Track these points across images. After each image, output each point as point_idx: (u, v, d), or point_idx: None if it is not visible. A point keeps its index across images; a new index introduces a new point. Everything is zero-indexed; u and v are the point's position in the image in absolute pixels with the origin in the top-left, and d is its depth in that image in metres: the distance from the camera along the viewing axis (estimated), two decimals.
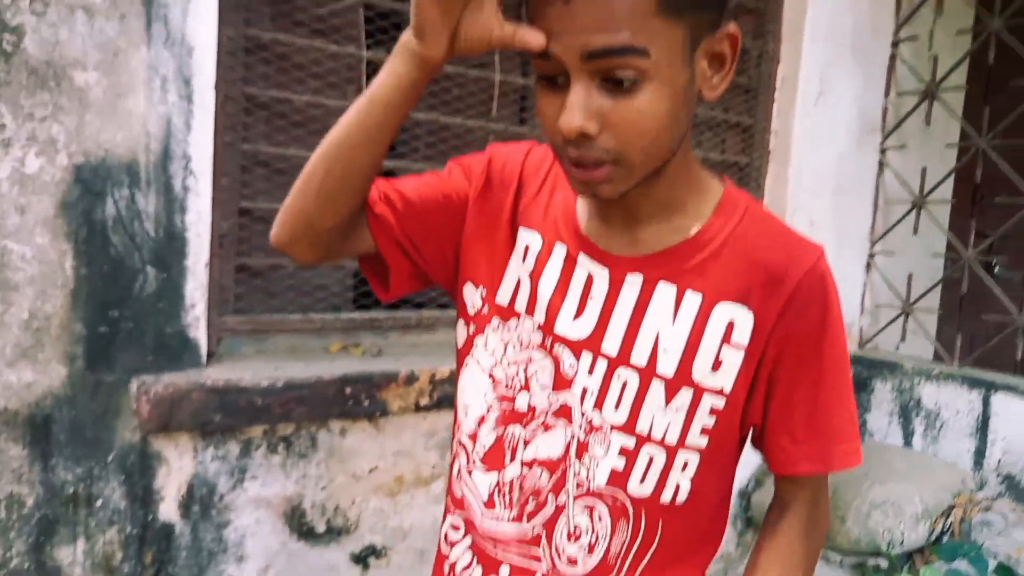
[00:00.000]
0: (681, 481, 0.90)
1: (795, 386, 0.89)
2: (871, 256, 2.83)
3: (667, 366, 0.88)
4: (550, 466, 0.92)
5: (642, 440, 0.89)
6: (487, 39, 0.81)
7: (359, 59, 1.87)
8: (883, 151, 2.80)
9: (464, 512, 1.00)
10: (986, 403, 2.43)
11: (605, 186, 0.80)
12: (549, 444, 0.93)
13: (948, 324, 2.95)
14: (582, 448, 0.91)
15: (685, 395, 0.88)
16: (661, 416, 0.88)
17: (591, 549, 0.92)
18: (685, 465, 0.90)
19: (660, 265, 0.88)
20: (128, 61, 1.50)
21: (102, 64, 1.48)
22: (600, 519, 0.91)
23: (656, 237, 0.89)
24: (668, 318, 0.88)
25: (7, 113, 1.42)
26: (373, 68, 1.89)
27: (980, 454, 2.44)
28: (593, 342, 0.90)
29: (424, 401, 1.87)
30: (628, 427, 0.89)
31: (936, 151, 2.77)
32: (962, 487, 2.33)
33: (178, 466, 1.65)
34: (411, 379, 1.83)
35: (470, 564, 0.99)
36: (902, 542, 2.15)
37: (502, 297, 0.96)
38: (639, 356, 0.88)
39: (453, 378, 1.10)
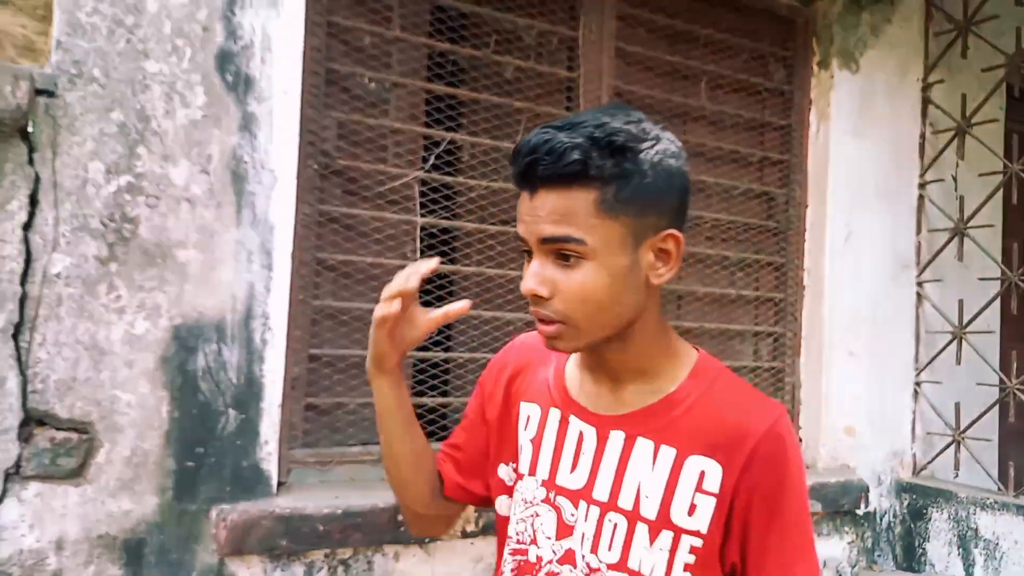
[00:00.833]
0: None
1: (766, 535, 1.00)
2: (917, 384, 2.88)
3: (649, 510, 1.01)
4: None
5: None
6: (424, 333, 1.11)
7: (414, 225, 2.18)
8: (920, 284, 2.91)
9: None
10: None
11: (558, 341, 0.99)
12: None
13: (1006, 453, 2.92)
14: None
15: (666, 536, 1.01)
16: (648, 555, 1.01)
17: None
18: None
19: (639, 423, 1.03)
20: (221, 240, 1.84)
21: (200, 243, 1.82)
22: None
23: (636, 398, 1.05)
24: (648, 468, 1.02)
25: (123, 286, 1.75)
26: (426, 232, 2.20)
27: None
28: (587, 491, 1.05)
29: (470, 528, 2.04)
30: (620, 565, 1.02)
31: (971, 283, 2.85)
32: None
33: None
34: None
35: None
36: None
37: (519, 466, 1.14)
38: (625, 501, 1.02)
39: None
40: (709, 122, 2.70)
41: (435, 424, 2.24)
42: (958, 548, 2.61)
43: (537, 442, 1.11)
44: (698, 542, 1.00)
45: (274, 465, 1.90)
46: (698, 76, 2.63)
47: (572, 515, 1.06)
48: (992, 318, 2.88)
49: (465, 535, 2.04)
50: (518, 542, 1.12)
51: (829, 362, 2.72)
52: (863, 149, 2.81)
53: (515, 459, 1.15)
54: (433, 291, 2.26)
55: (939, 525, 2.68)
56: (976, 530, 2.57)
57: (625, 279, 0.99)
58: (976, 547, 2.57)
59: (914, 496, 2.76)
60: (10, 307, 1.62)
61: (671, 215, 1.00)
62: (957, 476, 2.83)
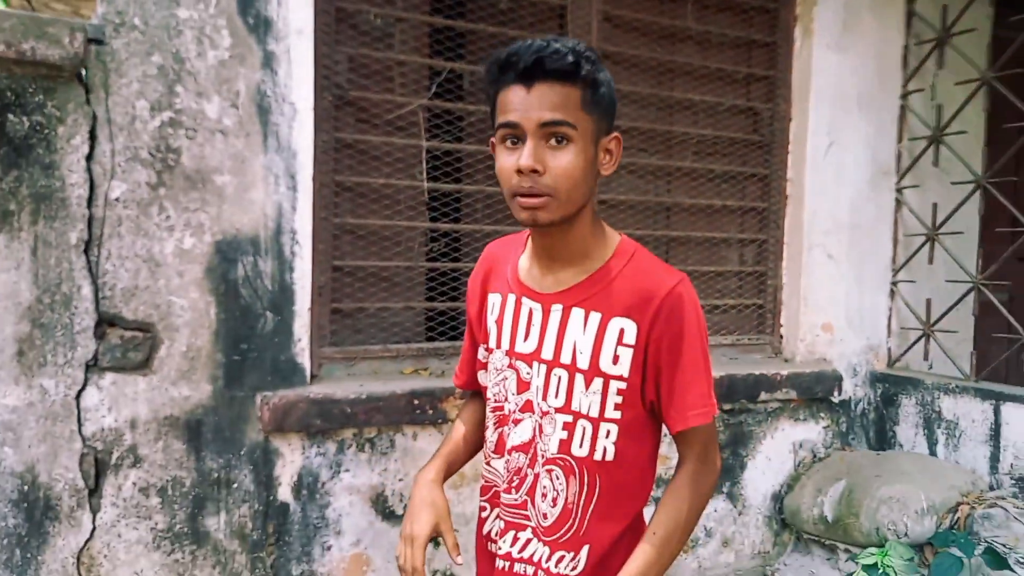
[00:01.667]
0: (607, 445, 1.32)
1: (671, 373, 1.29)
2: (894, 284, 3.11)
3: (583, 362, 1.31)
4: (524, 448, 1.37)
5: (577, 416, 1.32)
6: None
7: (421, 148, 2.43)
8: (899, 191, 3.11)
9: (489, 492, 1.46)
10: (997, 413, 2.66)
11: (542, 212, 1.22)
12: (521, 433, 1.38)
13: (970, 343, 3.15)
14: (540, 429, 1.35)
15: (598, 382, 1.31)
16: (584, 398, 1.31)
17: (554, 502, 1.34)
18: (608, 433, 1.32)
19: (572, 296, 1.32)
20: (251, 166, 2.11)
21: (233, 169, 2.10)
22: (557, 478, 1.34)
23: (571, 277, 1.33)
24: (580, 330, 1.31)
25: (171, 208, 2.04)
26: (432, 155, 2.46)
27: (995, 459, 2.66)
28: (536, 353, 1.35)
29: None
30: (565, 408, 1.33)
31: (946, 189, 3.04)
32: (973, 487, 2.57)
33: (291, 459, 2.20)
34: (464, 394, 2.32)
35: (494, 527, 1.46)
36: (906, 533, 2.42)
37: (488, 343, 1.46)
38: (565, 357, 1.32)
39: None
40: (696, 42, 2.87)
41: (446, 325, 2.54)
42: (923, 429, 2.89)
43: (500, 322, 1.42)
44: (623, 385, 1.30)
45: (307, 359, 2.22)
46: None
47: (528, 373, 1.36)
48: (970, 221, 3.06)
49: None
50: (496, 401, 1.43)
51: (808, 265, 2.96)
52: (845, 63, 2.97)
53: (486, 340, 1.46)
54: (438, 208, 2.53)
55: (908, 410, 2.95)
56: (939, 412, 2.84)
57: (591, 166, 1.26)
58: (939, 428, 2.84)
59: (887, 385, 3.02)
60: (80, 227, 1.93)
61: (611, 122, 1.28)
62: (930, 367, 3.09)
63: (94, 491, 1.98)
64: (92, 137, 1.93)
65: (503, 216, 2.57)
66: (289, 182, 2.16)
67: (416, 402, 2.26)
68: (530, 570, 1.37)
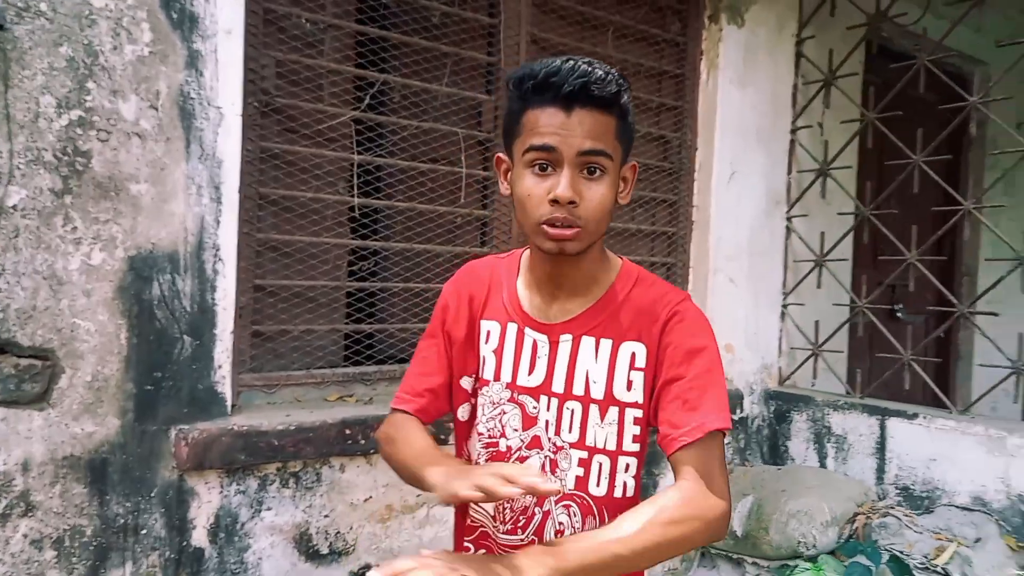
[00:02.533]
0: (627, 480, 1.27)
1: (672, 388, 1.20)
2: (784, 307, 3.31)
3: (597, 392, 1.25)
4: None
5: (592, 451, 1.25)
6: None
7: (351, 162, 2.30)
8: (789, 219, 3.31)
9: (475, 533, 1.35)
10: (883, 427, 2.87)
11: (571, 243, 1.16)
12: None
13: (854, 363, 3.41)
14: (553, 465, 1.27)
15: (613, 412, 1.25)
16: (601, 430, 1.25)
17: None
18: (627, 467, 1.27)
19: (581, 325, 1.27)
20: (171, 174, 1.91)
21: (151, 177, 1.88)
22: (575, 515, 1.27)
23: (577, 305, 1.28)
24: (592, 359, 1.26)
25: (78, 218, 1.80)
26: (362, 169, 2.33)
27: (881, 470, 2.87)
28: (546, 386, 1.28)
29: None
30: (580, 444, 1.26)
31: (832, 218, 3.28)
32: (864, 498, 2.75)
33: (207, 499, 1.99)
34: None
35: None
36: (815, 545, 2.55)
37: (482, 374, 1.34)
38: (578, 389, 1.26)
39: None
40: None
41: (372, 348, 2.41)
42: (814, 444, 3.08)
43: (499, 352, 1.32)
44: (639, 413, 1.25)
45: (228, 387, 2.02)
46: (606, 26, 2.84)
47: (535, 408, 1.29)
48: (847, 249, 3.32)
49: None
50: (489, 437, 1.33)
51: (713, 289, 3.08)
52: (746, 97, 3.13)
53: (477, 371, 1.35)
54: (369, 224, 2.41)
55: (799, 425, 3.13)
56: (829, 427, 3.03)
57: (616, 196, 1.21)
58: (829, 442, 3.04)
59: (779, 402, 3.20)
60: None
61: (630, 149, 1.24)
62: (815, 384, 3.30)
63: None
64: None
65: (433, 235, 2.48)
66: (213, 193, 1.97)
67: (348, 432, 2.12)
68: None
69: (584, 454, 1.26)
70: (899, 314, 3.93)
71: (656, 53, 3.03)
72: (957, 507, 2.66)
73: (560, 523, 1.28)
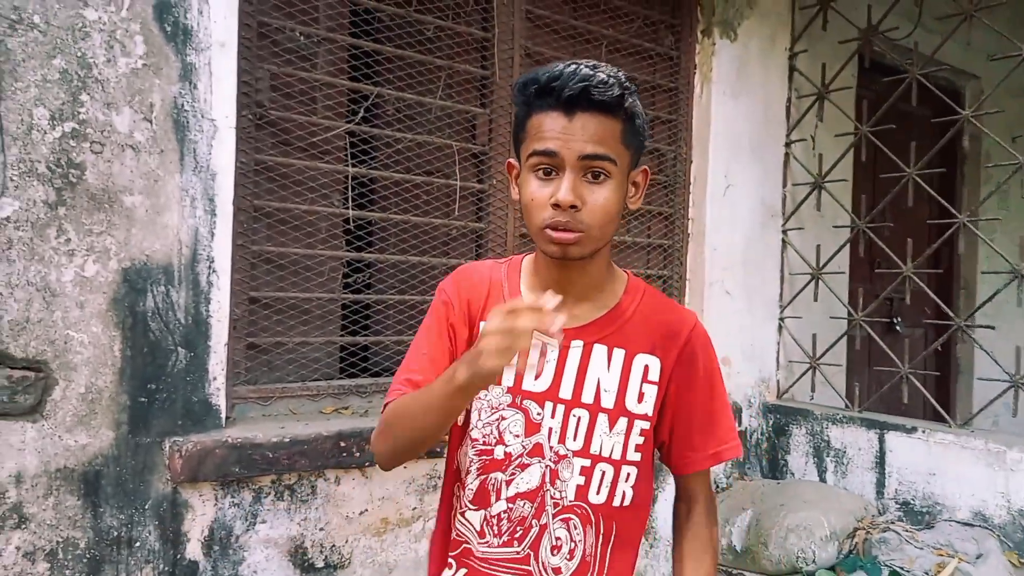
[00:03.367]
0: (627, 489, 1.26)
1: (692, 411, 1.27)
2: (781, 320, 3.30)
3: (608, 401, 1.24)
4: (531, 496, 1.24)
5: (596, 459, 1.24)
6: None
7: (344, 174, 2.31)
8: (785, 232, 3.31)
9: (459, 548, 1.29)
10: (882, 441, 2.86)
11: (574, 248, 1.15)
12: (527, 479, 1.24)
13: (853, 376, 3.40)
14: (554, 475, 1.24)
15: (622, 422, 1.24)
16: (608, 440, 1.24)
17: (571, 555, 1.24)
18: (628, 476, 1.26)
19: (593, 332, 1.25)
20: (166, 186, 1.91)
21: (145, 189, 1.89)
22: (575, 528, 1.25)
23: (587, 312, 1.26)
24: (604, 368, 1.24)
25: (71, 230, 1.81)
26: (356, 181, 2.34)
27: (881, 485, 2.85)
28: (552, 392, 1.24)
29: None
30: (584, 451, 1.23)
31: (827, 230, 3.28)
32: (864, 512, 2.73)
33: (202, 512, 1.97)
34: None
35: None
36: (814, 560, 2.53)
37: None
38: (587, 397, 1.24)
39: None
40: None
41: (367, 361, 2.41)
42: (814, 457, 3.06)
43: None
44: (646, 425, 1.25)
45: (223, 399, 2.02)
46: (599, 40, 2.86)
47: (539, 414, 1.25)
48: (843, 261, 3.33)
49: None
50: (484, 443, 1.28)
51: (709, 300, 3.08)
52: (739, 110, 3.15)
53: None
54: (364, 236, 2.41)
55: (798, 439, 3.12)
56: (828, 441, 3.02)
57: (622, 201, 1.20)
58: (828, 456, 3.02)
59: (778, 416, 3.18)
60: None
61: (640, 154, 1.23)
62: (813, 397, 3.28)
63: None
64: None
65: (427, 248, 2.49)
66: (207, 205, 1.98)
67: (343, 444, 2.11)
68: None
69: (587, 462, 1.24)
70: (898, 327, 3.92)
71: (649, 67, 3.05)
72: (958, 522, 2.64)
73: (558, 538, 1.26)
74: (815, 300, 3.23)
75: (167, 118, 1.92)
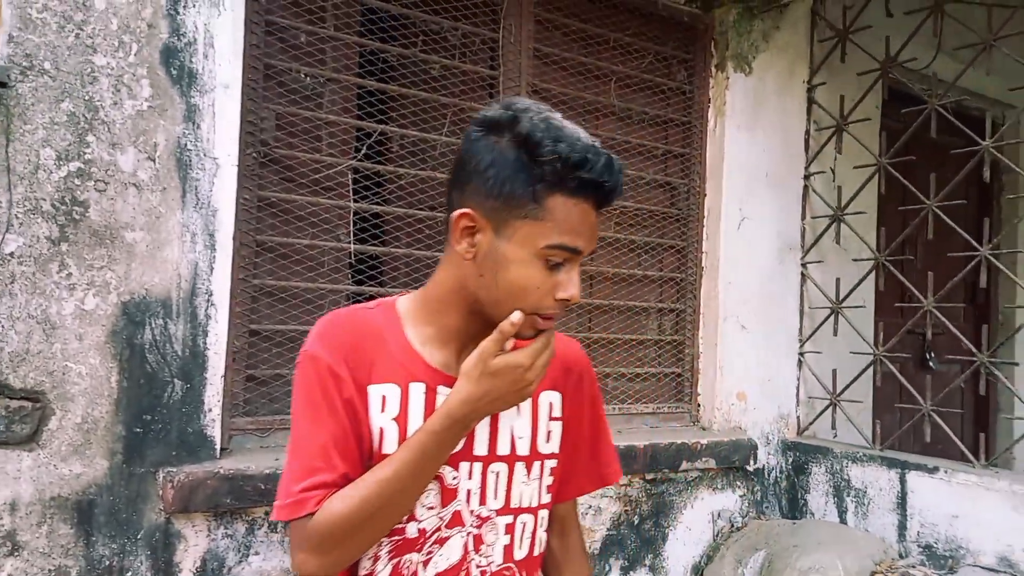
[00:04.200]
0: (542, 535, 1.23)
1: (580, 438, 1.27)
2: (801, 354, 3.22)
3: (523, 448, 1.19)
4: (453, 573, 1.14)
5: (516, 513, 1.18)
6: None
7: (348, 210, 2.35)
8: (804, 265, 3.25)
9: None
10: (903, 481, 2.75)
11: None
12: (447, 555, 1.13)
13: (879, 413, 3.29)
14: (478, 541, 1.15)
15: (536, 467, 1.20)
16: (526, 489, 1.19)
17: None
18: (542, 521, 1.23)
19: None
20: (167, 222, 1.97)
21: (146, 225, 1.95)
22: None
23: None
24: (514, 413, 1.18)
25: (73, 265, 1.87)
26: (358, 217, 2.38)
27: (903, 527, 2.74)
28: (466, 452, 1.15)
29: None
30: (506, 508, 1.17)
31: (848, 264, 3.21)
32: (884, 555, 2.62)
33: (194, 543, 2.00)
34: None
35: None
36: None
37: (381, 449, 1.12)
38: (503, 448, 1.17)
39: None
40: (618, 118, 2.95)
41: None
42: (834, 497, 2.96)
43: (402, 419, 1.13)
44: (555, 463, 1.22)
45: (217, 431, 2.05)
46: (608, 76, 2.87)
47: (454, 479, 1.14)
48: (867, 295, 3.24)
49: None
50: None
51: (723, 335, 3.02)
52: (755, 144, 3.11)
53: (371, 447, 1.13)
54: (366, 271, 2.44)
55: (818, 478, 3.02)
56: (848, 481, 2.92)
57: None
58: (848, 495, 2.92)
59: (797, 453, 3.09)
60: None
61: None
62: (835, 435, 3.19)
63: None
64: None
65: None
66: (207, 240, 2.03)
67: None
68: None
69: (510, 518, 1.18)
70: (931, 363, 3.79)
71: (661, 101, 3.05)
72: (982, 568, 2.52)
73: None
74: (835, 335, 3.15)
75: (170, 157, 1.99)
